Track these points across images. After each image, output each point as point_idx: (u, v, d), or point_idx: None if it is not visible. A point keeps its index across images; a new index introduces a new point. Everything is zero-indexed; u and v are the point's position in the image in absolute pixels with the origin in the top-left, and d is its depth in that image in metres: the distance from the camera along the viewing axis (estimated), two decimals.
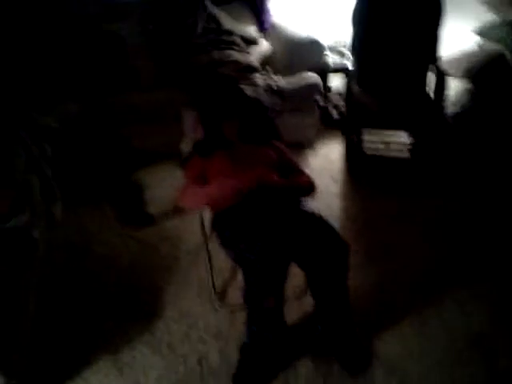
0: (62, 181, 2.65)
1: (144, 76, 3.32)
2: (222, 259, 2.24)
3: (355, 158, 3.54)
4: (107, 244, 2.64)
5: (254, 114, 2.38)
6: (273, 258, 1.76)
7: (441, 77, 3.22)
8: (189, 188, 2.10)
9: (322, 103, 3.79)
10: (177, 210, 2.86)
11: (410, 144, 3.65)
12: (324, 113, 3.87)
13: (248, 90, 3.31)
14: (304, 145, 3.71)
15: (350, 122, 3.43)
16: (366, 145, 3.59)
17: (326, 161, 3.59)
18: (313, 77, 3.60)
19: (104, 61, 3.17)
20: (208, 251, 2.36)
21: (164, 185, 2.86)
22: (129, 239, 2.67)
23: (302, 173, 2.26)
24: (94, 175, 3.04)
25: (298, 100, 3.54)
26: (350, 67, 3.42)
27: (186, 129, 2.47)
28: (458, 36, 3.85)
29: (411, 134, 3.60)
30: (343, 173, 3.47)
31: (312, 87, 3.58)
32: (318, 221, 1.97)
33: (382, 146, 3.72)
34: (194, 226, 2.57)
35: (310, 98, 3.63)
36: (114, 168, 3.07)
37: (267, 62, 3.75)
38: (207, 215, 2.21)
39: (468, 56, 3.70)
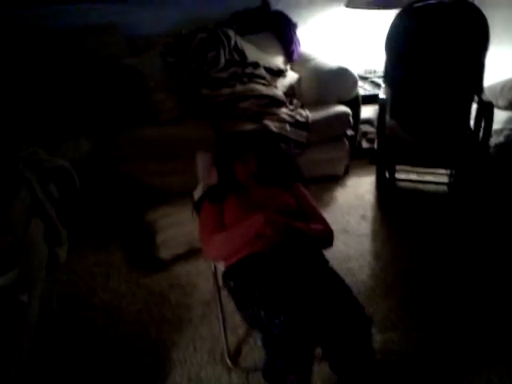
0: (69, 222, 2.51)
1: (164, 110, 3.18)
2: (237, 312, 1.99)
3: (387, 194, 3.27)
4: (113, 291, 2.46)
5: (271, 152, 2.16)
6: (300, 335, 1.53)
7: (488, 110, 2.92)
8: (213, 238, 1.89)
9: (350, 133, 3.55)
10: (189, 255, 2.66)
11: (449, 179, 3.36)
12: (352, 143, 3.62)
13: (272, 126, 3.13)
14: (332, 179, 3.47)
15: (382, 156, 3.17)
16: (400, 180, 3.32)
17: (355, 196, 3.34)
18: (342, 108, 3.38)
19: (121, 96, 3.04)
20: (221, 304, 2.15)
21: (177, 227, 2.67)
22: (136, 287, 2.48)
23: (321, 220, 2.02)
24: (103, 215, 2.89)
25: (325, 131, 3.32)
26: (382, 95, 3.16)
27: (200, 173, 2.29)
28: (501, 62, 3.55)
29: (450, 170, 3.31)
30: (373, 209, 3.20)
31: (340, 117, 3.36)
32: (339, 286, 1.77)
33: (416, 179, 3.44)
34: (207, 272, 2.38)
35: (338, 129, 3.41)
36: (125, 208, 2.91)
37: (294, 94, 3.56)
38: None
39: None
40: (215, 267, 2.15)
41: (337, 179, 3.51)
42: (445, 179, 3.41)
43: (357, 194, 3.36)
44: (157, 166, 3.10)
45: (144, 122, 3.10)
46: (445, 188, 3.38)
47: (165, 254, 2.62)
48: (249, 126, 3.13)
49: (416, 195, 3.31)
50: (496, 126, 3.14)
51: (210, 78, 3.27)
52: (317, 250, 1.95)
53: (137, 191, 3.01)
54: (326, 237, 1.96)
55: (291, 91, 3.56)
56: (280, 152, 2.24)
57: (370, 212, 3.16)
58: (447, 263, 2.64)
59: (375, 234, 2.93)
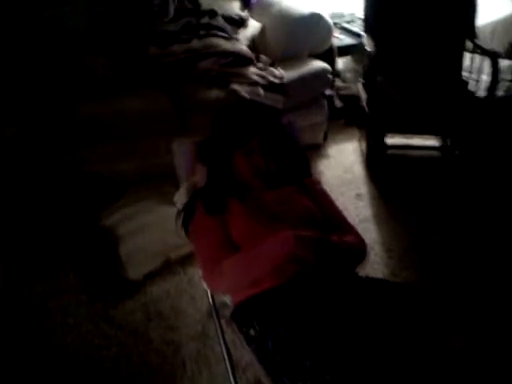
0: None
1: (101, 78, 2.45)
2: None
3: (378, 165, 2.83)
4: (74, 333, 1.82)
5: (278, 137, 1.59)
6: None
7: (493, 61, 2.48)
8: (222, 264, 1.32)
9: (328, 92, 3.02)
10: (165, 269, 2.08)
11: (442, 143, 2.97)
12: (330, 104, 3.11)
13: (242, 91, 2.52)
14: (311, 148, 2.96)
15: (374, 121, 2.68)
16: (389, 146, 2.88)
17: (343, 169, 2.86)
18: (319, 64, 2.82)
19: (43, 59, 2.28)
20: (223, 339, 1.60)
21: (144, 233, 2.05)
22: (105, 324, 1.86)
23: (351, 229, 1.52)
24: (43, 224, 2.19)
25: (302, 93, 2.76)
26: (369, 48, 2.64)
27: (180, 170, 1.67)
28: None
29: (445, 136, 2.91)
30: (367, 184, 2.74)
31: (319, 75, 2.80)
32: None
33: (406, 144, 3.03)
34: (191, 291, 1.84)
35: (317, 90, 2.87)
36: (71, 211, 2.22)
37: (258, 48, 2.93)
38: None
39: (510, 26, 2.97)
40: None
41: (317, 148, 3.01)
42: (436, 143, 3.02)
43: (344, 166, 2.87)
44: (102, 151, 2.40)
45: (80, 95, 2.36)
46: (438, 153, 2.99)
47: (134, 272, 2.01)
48: (214, 93, 2.51)
49: (408, 163, 2.88)
50: (486, 76, 2.75)
51: (157, 33, 2.57)
52: (352, 269, 1.46)
53: (82, 185, 2.31)
54: (360, 251, 1.47)
55: (252, 45, 2.93)
56: (287, 136, 1.67)
57: (363, 188, 2.69)
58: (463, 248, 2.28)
59: (378, 218, 2.47)
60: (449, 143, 2.90)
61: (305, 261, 1.27)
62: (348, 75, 3.56)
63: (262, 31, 2.94)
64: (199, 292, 1.91)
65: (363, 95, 2.83)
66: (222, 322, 1.50)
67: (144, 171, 2.46)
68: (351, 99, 3.37)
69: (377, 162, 2.80)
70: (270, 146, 1.52)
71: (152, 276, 2.05)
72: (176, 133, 2.22)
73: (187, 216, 1.49)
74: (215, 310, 1.54)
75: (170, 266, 2.08)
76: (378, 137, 2.69)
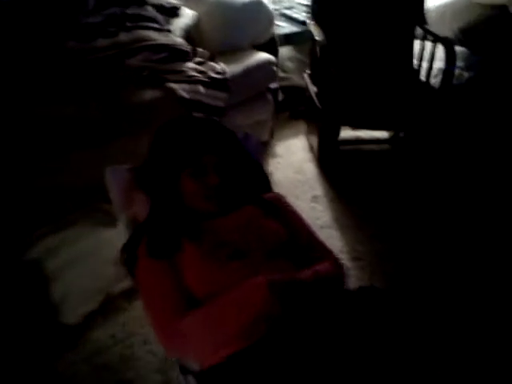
0: None
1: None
2: None
3: (331, 163, 2.65)
4: None
5: (232, 150, 1.33)
6: None
7: (448, 48, 2.34)
8: (180, 324, 1.05)
9: (273, 86, 2.78)
10: (107, 307, 1.77)
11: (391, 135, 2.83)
12: (275, 98, 2.87)
13: (180, 90, 2.22)
14: None
15: (327, 115, 2.48)
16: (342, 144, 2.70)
17: (293, 169, 2.65)
18: (263, 55, 2.57)
19: None
20: None
21: (80, 265, 1.73)
22: None
23: (324, 251, 1.30)
24: None
25: (246, 89, 2.51)
26: (318, 36, 2.43)
27: (116, 201, 1.37)
28: None
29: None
30: (321, 185, 2.55)
31: (263, 68, 2.56)
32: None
33: (355, 138, 2.86)
34: (143, 331, 1.58)
35: (262, 84, 2.62)
36: None
37: (194, 40, 2.63)
38: None
39: (458, 10, 2.86)
40: None
41: (263, 147, 2.78)
42: (386, 135, 2.87)
43: (294, 165, 2.66)
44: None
45: None
46: (388, 145, 2.85)
47: (71, 316, 1.68)
48: (148, 94, 2.19)
49: (361, 159, 2.72)
50: (439, 64, 2.63)
51: (78, 25, 2.21)
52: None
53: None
54: (337, 278, 1.25)
55: (187, 37, 2.63)
56: (241, 148, 1.41)
57: (319, 189, 2.50)
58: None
59: (339, 223, 2.28)
60: (401, 135, 2.76)
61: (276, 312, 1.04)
62: (289, 65, 3.33)
63: (198, 21, 2.63)
64: (152, 332, 1.63)
65: (312, 88, 2.61)
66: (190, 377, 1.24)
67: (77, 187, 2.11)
68: (294, 91, 3.17)
69: (329, 159, 2.62)
70: (225, 163, 1.25)
71: (94, 316, 1.73)
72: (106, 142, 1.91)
73: (130, 258, 1.20)
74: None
75: (113, 302, 1.77)
76: (331, 132, 2.50)
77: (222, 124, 1.37)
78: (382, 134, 2.87)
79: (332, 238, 2.17)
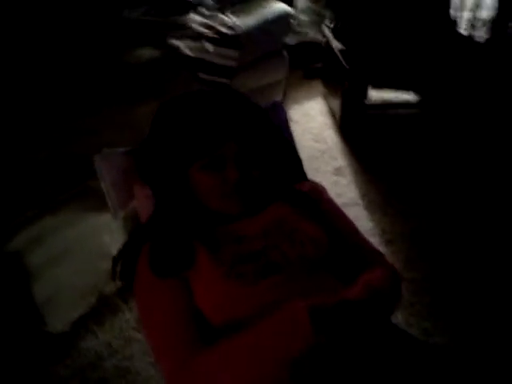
0: None
1: None
2: None
3: (356, 129, 2.35)
4: None
5: (257, 131, 1.01)
6: None
7: None
8: (194, 362, 0.79)
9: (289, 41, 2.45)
10: (101, 309, 1.52)
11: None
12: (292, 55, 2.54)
13: (184, 47, 1.90)
14: None
15: (353, 77, 2.15)
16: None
17: (313, 137, 2.36)
18: (279, 6, 2.23)
19: None
20: None
21: (66, 261, 1.46)
22: None
23: (375, 255, 1.03)
24: None
25: (260, 46, 2.18)
26: None
27: (110, 196, 1.08)
28: None
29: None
30: (345, 155, 2.25)
31: (279, 21, 2.22)
32: None
33: (384, 102, 2.54)
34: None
35: (278, 40, 2.29)
36: None
37: None
38: None
39: None
40: None
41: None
42: (414, 98, 2.54)
43: (312, 133, 2.36)
44: None
45: None
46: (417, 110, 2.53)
47: (58, 321, 1.43)
48: (146, 53, 1.87)
49: (388, 125, 2.41)
50: (485, 13, 2.28)
51: None
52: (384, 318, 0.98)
53: None
54: (393, 290, 0.99)
55: None
56: (269, 127, 1.10)
57: (342, 160, 2.21)
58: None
59: (367, 200, 2.01)
60: (431, 97, 2.43)
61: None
62: (303, 17, 2.97)
63: None
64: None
65: (335, 43, 2.27)
66: None
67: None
68: (309, 46, 2.83)
69: (354, 125, 2.31)
70: (248, 151, 0.95)
71: (84, 322, 1.48)
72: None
73: (128, 267, 0.93)
74: None
75: (107, 304, 1.52)
76: (358, 94, 2.19)
77: (244, 95, 1.05)
78: (411, 97, 2.54)
79: (359, 217, 1.90)
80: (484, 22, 2.26)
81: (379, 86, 2.28)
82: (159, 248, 0.89)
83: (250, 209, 0.94)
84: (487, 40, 2.05)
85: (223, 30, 2.00)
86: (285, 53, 2.33)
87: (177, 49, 1.89)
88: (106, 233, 1.45)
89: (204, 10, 2.07)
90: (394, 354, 0.82)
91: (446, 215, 1.92)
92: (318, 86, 2.70)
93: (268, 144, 1.01)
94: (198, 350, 0.80)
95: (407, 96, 2.54)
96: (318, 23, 2.79)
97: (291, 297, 0.81)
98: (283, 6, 2.21)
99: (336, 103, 2.37)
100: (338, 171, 2.15)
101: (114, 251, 0.94)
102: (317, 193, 1.06)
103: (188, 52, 1.90)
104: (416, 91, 2.45)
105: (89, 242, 1.53)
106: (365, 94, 2.20)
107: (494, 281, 1.64)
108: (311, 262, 0.91)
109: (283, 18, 2.20)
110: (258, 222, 0.95)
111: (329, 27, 2.43)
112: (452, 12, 2.30)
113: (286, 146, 1.13)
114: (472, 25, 2.17)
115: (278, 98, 2.47)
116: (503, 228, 1.86)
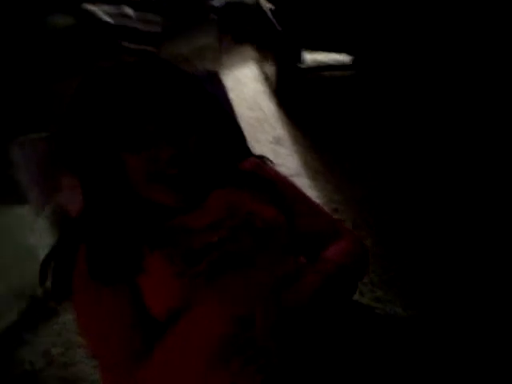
0: None
1: None
2: None
3: (292, 94, 2.26)
4: None
5: (194, 101, 0.90)
6: None
7: None
8: (138, 374, 0.71)
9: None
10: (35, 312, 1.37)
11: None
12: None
13: (102, 14, 1.71)
14: None
15: (286, 40, 2.05)
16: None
17: (247, 105, 2.25)
18: None
19: None
20: None
21: None
22: None
23: (336, 228, 0.97)
24: None
25: (187, 8, 2.02)
26: None
27: (30, 189, 0.93)
28: None
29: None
30: (282, 123, 2.17)
31: None
32: None
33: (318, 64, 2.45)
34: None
35: (205, 1, 2.13)
36: None
37: None
38: None
39: None
40: None
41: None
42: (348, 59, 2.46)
43: (247, 101, 2.25)
44: None
45: None
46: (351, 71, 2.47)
47: None
48: (58, 21, 1.66)
49: (324, 88, 2.34)
50: None
51: None
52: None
53: None
54: (358, 260, 0.93)
55: None
56: (205, 99, 0.98)
57: (280, 129, 2.12)
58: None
59: (311, 170, 1.95)
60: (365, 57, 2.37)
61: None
62: None
63: None
64: None
65: (266, 5, 2.14)
66: None
67: None
68: (238, 8, 2.67)
69: (290, 90, 2.22)
70: (183, 128, 0.83)
71: (15, 330, 1.32)
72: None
73: (61, 273, 0.80)
74: None
75: (41, 307, 1.36)
76: (292, 57, 2.09)
77: (173, 64, 0.93)
78: (346, 58, 2.47)
79: (303, 188, 1.83)
80: None
81: (313, 47, 2.18)
82: (97, 250, 0.77)
83: (190, 197, 0.83)
84: None
85: None
86: (213, 15, 2.17)
87: (93, 15, 1.69)
88: (30, 231, 1.29)
89: None
90: (358, 333, 0.78)
91: (392, 180, 1.90)
92: (250, 51, 2.58)
93: (205, 118, 0.90)
94: (140, 363, 0.71)
95: (341, 57, 2.47)
96: None
97: (253, 288, 0.74)
98: None
99: (270, 68, 2.27)
100: (277, 140, 2.06)
101: (41, 252, 0.81)
102: (260, 168, 0.97)
103: (107, 18, 1.71)
104: (350, 52, 2.38)
105: (9, 236, 1.36)
106: (299, 58, 2.11)
107: (441, 244, 1.64)
108: (271, 246, 0.83)
109: None
110: (209, 212, 0.84)
111: None
112: None
113: (225, 119, 1.01)
114: None
115: (214, 63, 2.32)
116: (439, 187, 1.88)
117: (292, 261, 0.85)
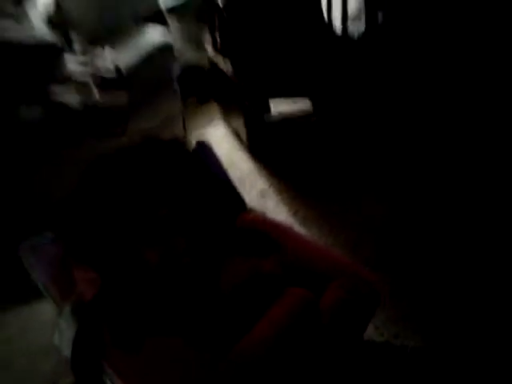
0: None
1: None
2: None
3: (263, 148, 2.25)
4: None
5: (197, 183, 0.93)
6: None
7: None
8: None
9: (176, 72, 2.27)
10: None
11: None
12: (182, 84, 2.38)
13: (70, 98, 1.67)
14: None
15: (254, 91, 2.05)
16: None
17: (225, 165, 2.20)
18: (154, 33, 2.06)
19: None
20: None
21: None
22: None
23: (343, 265, 1.05)
24: None
25: (148, 80, 2.00)
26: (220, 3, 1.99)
27: (49, 289, 0.89)
28: None
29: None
30: (263, 177, 2.15)
31: (163, 51, 2.06)
32: None
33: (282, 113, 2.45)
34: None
35: (165, 71, 2.12)
36: None
37: (59, 28, 2.02)
38: None
39: None
40: None
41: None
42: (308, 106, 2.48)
43: (224, 161, 2.21)
44: None
45: None
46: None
47: None
48: (29, 114, 1.61)
49: (292, 136, 2.32)
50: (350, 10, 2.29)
51: None
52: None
53: None
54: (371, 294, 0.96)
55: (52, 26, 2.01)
56: (201, 171, 1.00)
57: (262, 183, 2.10)
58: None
59: (302, 216, 1.93)
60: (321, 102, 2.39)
61: None
62: (178, 41, 2.80)
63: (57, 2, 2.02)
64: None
65: (225, 64, 2.15)
66: None
67: None
68: (195, 71, 2.68)
69: (262, 143, 2.21)
70: (189, 210, 0.86)
71: None
72: None
73: (86, 360, 0.75)
74: None
75: None
76: (260, 110, 2.09)
77: (172, 144, 0.94)
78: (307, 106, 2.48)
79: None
80: (354, 16, 2.27)
81: (275, 96, 2.17)
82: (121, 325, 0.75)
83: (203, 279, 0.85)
84: (361, 34, 2.06)
85: (103, 69, 1.80)
86: (174, 82, 2.16)
87: (62, 103, 1.65)
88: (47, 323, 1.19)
89: (78, 48, 1.84)
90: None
91: (386, 218, 1.90)
92: (214, 110, 2.58)
93: (207, 194, 0.96)
94: None
95: (303, 106, 2.48)
96: (195, 44, 2.65)
97: None
98: (161, 32, 2.05)
99: (238, 124, 2.26)
100: (262, 194, 2.04)
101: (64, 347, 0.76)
102: (258, 222, 1.05)
103: (74, 103, 1.68)
104: (308, 97, 2.40)
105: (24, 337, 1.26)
106: (267, 108, 2.11)
107: (451, 277, 1.64)
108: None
109: (165, 48, 2.03)
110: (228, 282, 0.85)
111: (214, 48, 2.29)
112: (324, 12, 2.28)
113: (220, 183, 1.06)
114: (344, 21, 2.17)
115: (180, 130, 2.29)
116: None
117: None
